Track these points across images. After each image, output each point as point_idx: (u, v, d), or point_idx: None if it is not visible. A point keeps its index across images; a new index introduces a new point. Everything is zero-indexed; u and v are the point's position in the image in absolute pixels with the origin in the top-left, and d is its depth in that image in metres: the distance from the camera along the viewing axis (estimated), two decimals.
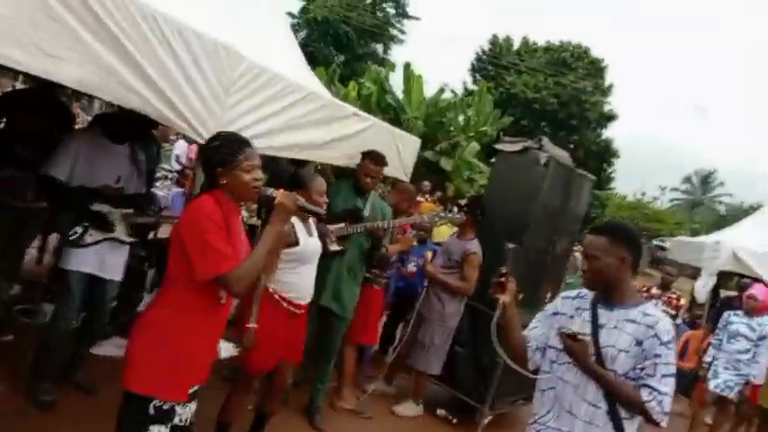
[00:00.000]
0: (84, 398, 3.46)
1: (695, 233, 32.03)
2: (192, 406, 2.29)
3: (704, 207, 52.13)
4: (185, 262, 2.05)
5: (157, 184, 7.68)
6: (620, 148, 32.87)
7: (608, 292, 2.21)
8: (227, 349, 3.12)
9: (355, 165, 3.92)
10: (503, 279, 2.30)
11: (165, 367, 2.08)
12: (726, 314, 5.93)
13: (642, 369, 2.09)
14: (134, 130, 3.46)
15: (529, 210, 4.68)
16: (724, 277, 8.15)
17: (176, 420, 2.19)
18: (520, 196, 4.73)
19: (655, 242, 38.15)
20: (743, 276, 7.51)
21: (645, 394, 2.06)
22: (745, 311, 5.72)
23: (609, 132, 33.11)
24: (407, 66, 18.01)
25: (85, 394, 3.50)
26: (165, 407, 2.09)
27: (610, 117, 32.56)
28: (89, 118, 8.45)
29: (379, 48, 35.22)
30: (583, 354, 2.14)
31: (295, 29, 31.74)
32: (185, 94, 2.68)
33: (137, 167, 3.52)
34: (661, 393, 2.05)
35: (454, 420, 4.74)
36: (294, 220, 3.09)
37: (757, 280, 6.96)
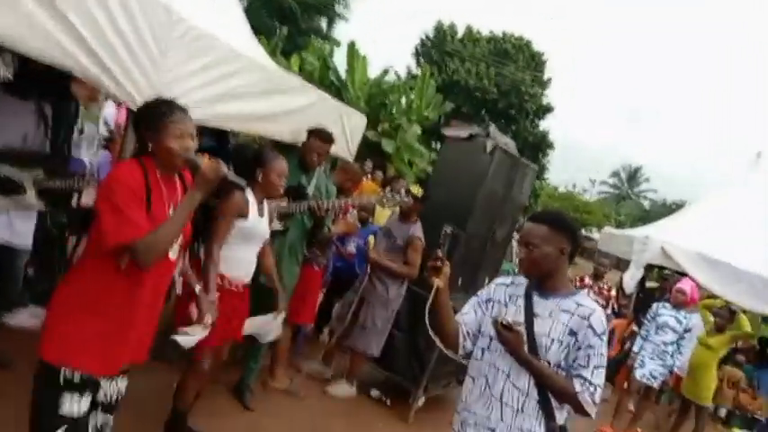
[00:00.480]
0: None
1: (620, 225, 33.52)
2: (120, 383, 2.17)
3: (630, 201, 54.61)
4: (98, 229, 1.93)
5: (82, 148, 7.23)
6: (554, 140, 33.80)
7: (544, 281, 2.19)
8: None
9: (300, 141, 3.77)
10: (438, 263, 2.22)
11: (78, 336, 1.96)
12: (654, 306, 6.18)
13: (575, 360, 2.08)
14: (43, 85, 3.17)
15: (473, 196, 4.67)
16: (648, 269, 8.50)
17: (100, 396, 2.09)
18: (465, 182, 4.72)
19: (583, 232, 39.71)
20: (663, 269, 7.84)
21: (577, 385, 2.05)
22: (673, 304, 5.96)
23: (545, 124, 33.95)
24: (352, 45, 17.72)
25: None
26: (76, 377, 1.96)
27: (547, 109, 33.33)
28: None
29: (324, 24, 34.57)
30: (517, 344, 2.10)
31: None
32: (116, 51, 2.47)
33: (44, 124, 3.24)
34: (593, 384, 2.05)
35: (388, 402, 4.72)
36: (249, 195, 2.97)
37: (683, 274, 7.30)
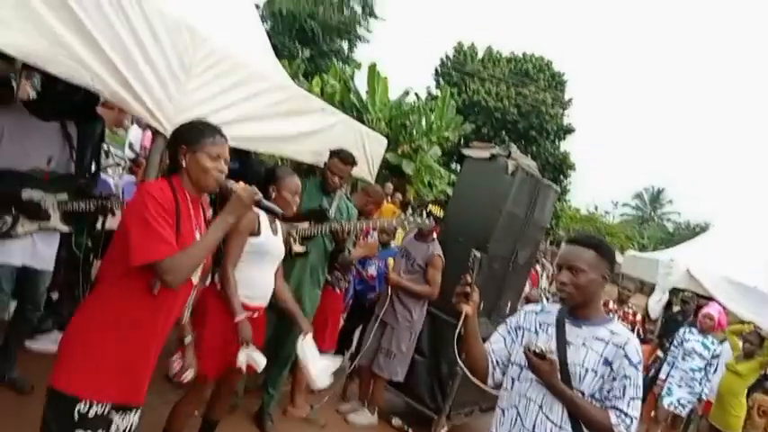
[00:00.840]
0: (17, 397, 3.20)
1: (643, 248, 33.02)
2: (134, 417, 2.08)
3: (653, 223, 53.84)
4: (124, 247, 1.88)
5: (109, 171, 7.33)
6: (576, 161, 33.57)
7: (578, 308, 2.10)
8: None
9: (321, 162, 3.75)
10: (467, 289, 2.14)
11: (95, 362, 1.90)
12: (681, 331, 6.01)
13: (610, 390, 1.99)
14: (68, 106, 3.18)
15: (494, 217, 4.60)
16: (672, 293, 8.32)
17: (113, 430, 2.00)
18: (486, 203, 4.65)
19: None
20: (684, 291, 7.65)
21: (613, 417, 1.96)
22: (700, 330, 5.80)
23: (566, 145, 33.77)
24: (373, 66, 17.86)
25: (19, 393, 3.23)
26: (92, 410, 1.88)
27: (568, 130, 33.18)
28: None
29: (345, 45, 34.98)
30: (550, 373, 2.00)
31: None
32: (142, 72, 2.49)
33: (69, 145, 3.24)
34: (629, 416, 1.96)
35: (410, 430, 4.61)
36: (260, 213, 2.91)
37: (707, 297, 7.12)
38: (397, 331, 4.45)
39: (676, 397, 5.74)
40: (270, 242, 3.01)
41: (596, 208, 43.80)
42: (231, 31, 3.34)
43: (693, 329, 5.89)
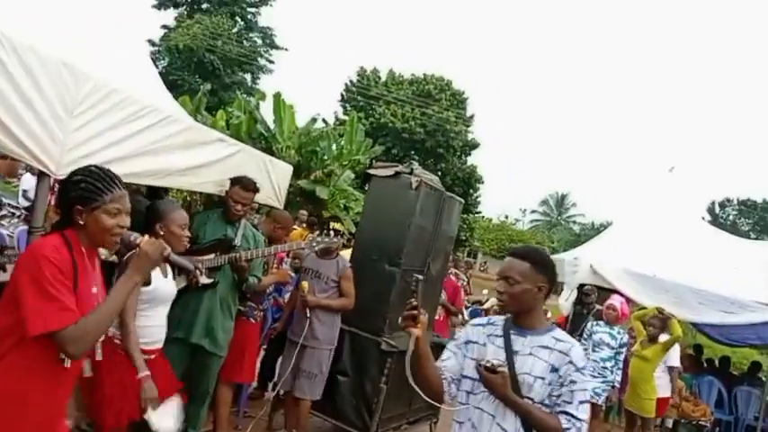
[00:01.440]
0: None
1: (554, 251, 34.55)
2: None
3: (561, 227, 56.55)
4: (13, 310, 1.74)
5: (3, 222, 6.90)
6: (483, 174, 34.81)
7: (521, 317, 2.21)
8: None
9: (223, 192, 3.72)
10: (415, 312, 2.18)
11: None
12: (588, 325, 6.35)
13: (558, 396, 2.09)
14: None
15: (403, 232, 4.71)
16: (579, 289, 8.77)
17: None
18: (394, 220, 4.76)
19: None
20: (583, 286, 8.06)
21: (564, 422, 2.06)
22: (606, 321, 6.14)
23: (473, 159, 34.98)
24: (278, 95, 17.84)
25: None
26: None
27: (473, 145, 34.41)
28: None
29: (248, 77, 34.75)
30: (502, 386, 2.09)
31: (155, 57, 30.47)
32: (21, 116, 2.41)
33: None
34: (579, 420, 2.06)
35: None
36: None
37: (614, 291, 7.56)
38: (318, 352, 4.42)
39: (591, 387, 6.03)
40: (161, 287, 2.91)
41: (507, 217, 45.55)
42: (116, 66, 3.28)
43: (600, 322, 6.23)
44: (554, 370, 2.10)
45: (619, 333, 6.08)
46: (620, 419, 7.68)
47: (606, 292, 7.62)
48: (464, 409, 2.22)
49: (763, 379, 8.78)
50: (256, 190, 3.76)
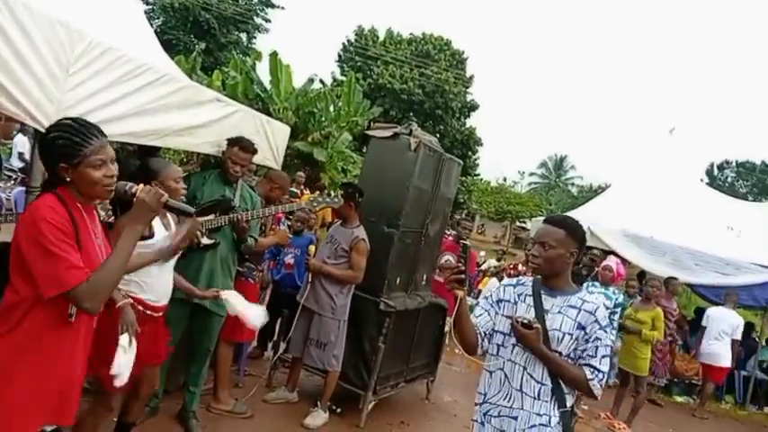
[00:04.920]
0: None
1: (552, 214, 34.65)
2: None
3: (559, 189, 56.53)
4: (26, 275, 1.75)
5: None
6: (482, 136, 34.62)
7: (551, 279, 2.40)
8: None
9: (221, 152, 3.70)
10: (462, 275, 2.34)
11: (17, 403, 1.77)
12: (585, 286, 6.40)
13: (584, 350, 2.31)
14: None
15: (402, 194, 4.71)
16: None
17: None
18: (392, 181, 4.75)
19: (518, 223, 40.76)
20: (591, 248, 8.15)
21: (588, 373, 2.29)
22: (601, 282, 6.20)
23: (472, 121, 34.75)
24: (274, 55, 17.55)
25: None
26: None
27: (472, 107, 34.14)
28: None
29: (244, 37, 34.16)
30: (536, 340, 2.29)
31: (150, 15, 29.87)
32: (16, 74, 2.38)
33: None
34: (601, 372, 2.29)
35: (338, 410, 4.68)
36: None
37: (610, 252, 7.62)
38: (324, 320, 4.41)
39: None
40: (166, 241, 2.92)
41: (505, 179, 45.42)
42: (111, 24, 3.22)
43: (596, 283, 6.29)
44: (581, 327, 2.31)
45: (614, 293, 6.15)
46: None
47: (604, 253, 7.68)
48: (495, 360, 2.45)
49: (757, 339, 8.93)
50: (254, 151, 3.73)
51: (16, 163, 9.38)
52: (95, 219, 2.01)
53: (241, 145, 3.66)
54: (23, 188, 6.99)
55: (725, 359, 7.61)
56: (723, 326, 7.59)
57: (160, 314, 2.97)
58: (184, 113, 3.24)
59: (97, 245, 1.94)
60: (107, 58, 2.71)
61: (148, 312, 2.89)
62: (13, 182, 8.15)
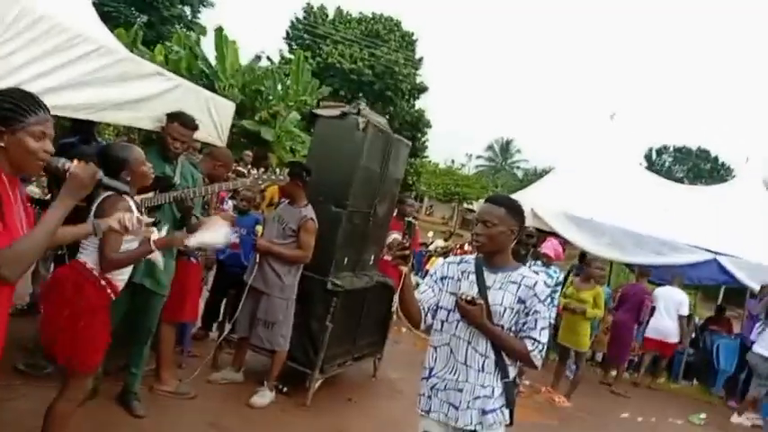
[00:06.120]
0: None
1: None
2: None
3: (505, 172, 57.65)
4: None
5: None
6: (431, 118, 34.83)
7: (493, 256, 2.50)
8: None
9: (161, 128, 3.58)
10: (407, 252, 2.43)
11: None
12: (527, 264, 6.57)
13: (524, 323, 2.43)
14: None
15: (350, 174, 4.69)
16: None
17: None
18: (341, 161, 4.72)
19: (465, 205, 41.33)
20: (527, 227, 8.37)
21: (529, 344, 2.42)
22: (543, 262, 6.39)
23: (421, 103, 34.88)
24: (220, 30, 17.11)
25: None
26: None
27: (421, 89, 34.25)
28: None
29: (188, 10, 33.06)
30: (479, 316, 2.39)
31: None
32: None
33: None
34: (541, 343, 2.42)
35: (284, 390, 4.67)
36: (130, 201, 2.78)
37: (550, 233, 7.84)
38: (272, 300, 4.38)
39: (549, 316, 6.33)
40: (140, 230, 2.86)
41: (453, 162, 45.97)
42: None
43: (538, 262, 6.47)
44: (521, 301, 2.43)
45: (555, 272, 6.34)
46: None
47: (546, 234, 7.89)
48: (439, 335, 2.54)
49: (692, 315, 9.37)
50: (195, 127, 3.64)
51: None
52: (19, 197, 1.93)
53: (181, 120, 3.56)
54: None
55: (673, 335, 8.04)
56: (670, 303, 8.02)
57: (113, 297, 2.90)
58: (124, 87, 3.13)
59: (19, 218, 1.88)
60: (40, 27, 2.60)
61: (113, 296, 2.84)
62: None
